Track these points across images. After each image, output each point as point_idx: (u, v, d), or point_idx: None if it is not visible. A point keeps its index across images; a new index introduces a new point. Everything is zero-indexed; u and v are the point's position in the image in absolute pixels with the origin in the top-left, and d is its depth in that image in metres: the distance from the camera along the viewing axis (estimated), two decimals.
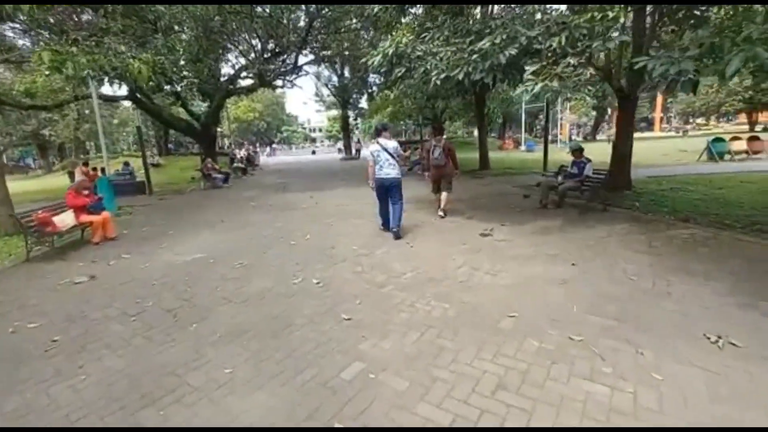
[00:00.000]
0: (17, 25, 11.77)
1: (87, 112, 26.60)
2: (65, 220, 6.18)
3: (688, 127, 40.12)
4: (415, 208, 7.64)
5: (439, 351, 2.68)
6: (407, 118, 23.49)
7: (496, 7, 10.61)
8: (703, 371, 2.33)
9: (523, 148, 26.94)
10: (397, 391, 2.30)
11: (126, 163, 16.25)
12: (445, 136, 7.27)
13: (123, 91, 17.04)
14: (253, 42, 20.46)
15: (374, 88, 27.70)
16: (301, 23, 18.70)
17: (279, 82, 22.52)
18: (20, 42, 13.52)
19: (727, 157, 13.68)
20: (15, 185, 12.50)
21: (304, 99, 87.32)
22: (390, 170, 5.74)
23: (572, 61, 4.51)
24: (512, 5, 7.11)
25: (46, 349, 3.05)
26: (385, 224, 6.07)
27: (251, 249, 5.55)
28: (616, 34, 4.51)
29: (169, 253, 5.62)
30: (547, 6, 6.58)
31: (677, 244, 4.71)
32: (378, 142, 5.82)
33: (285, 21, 17.34)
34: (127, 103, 24.04)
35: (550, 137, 15.02)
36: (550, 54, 4.63)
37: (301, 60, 21.90)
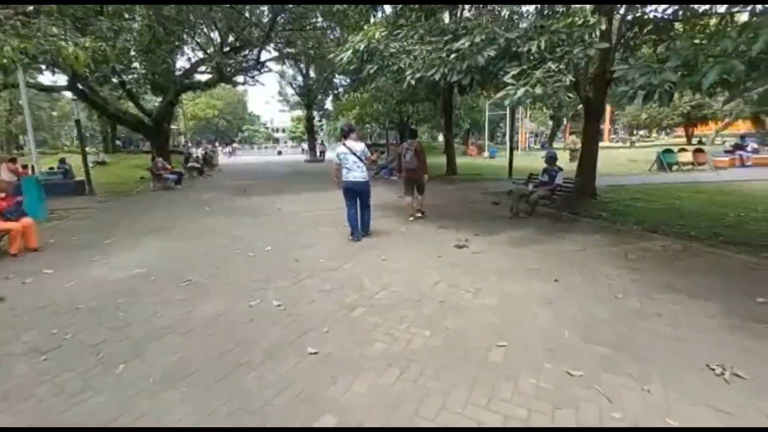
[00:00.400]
0: None
1: (20, 102, 23.92)
2: None
3: (634, 138, 42.76)
4: (382, 215, 7.26)
5: (425, 395, 2.28)
6: (374, 121, 23.13)
7: (466, 11, 10.50)
8: (716, 412, 2.09)
9: (486, 154, 27.46)
10: None
11: (62, 161, 14.52)
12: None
13: (63, 80, 15.44)
14: (212, 35, 19.32)
15: (340, 89, 27.17)
16: (265, 19, 17.86)
17: (240, 79, 21.39)
18: None
19: (675, 167, 14.51)
20: None
21: (267, 98, 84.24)
22: (358, 173, 5.55)
23: (553, 66, 4.32)
24: (482, 6, 6.90)
25: None
26: (354, 232, 5.72)
27: (203, 262, 4.90)
28: (597, 40, 4.37)
29: (104, 267, 4.83)
30: (523, 8, 6.46)
31: (653, 258, 4.65)
32: (345, 144, 5.58)
33: (247, 14, 16.48)
34: (69, 94, 21.89)
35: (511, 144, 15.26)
36: (532, 57, 4.42)
37: (265, 56, 20.98)
